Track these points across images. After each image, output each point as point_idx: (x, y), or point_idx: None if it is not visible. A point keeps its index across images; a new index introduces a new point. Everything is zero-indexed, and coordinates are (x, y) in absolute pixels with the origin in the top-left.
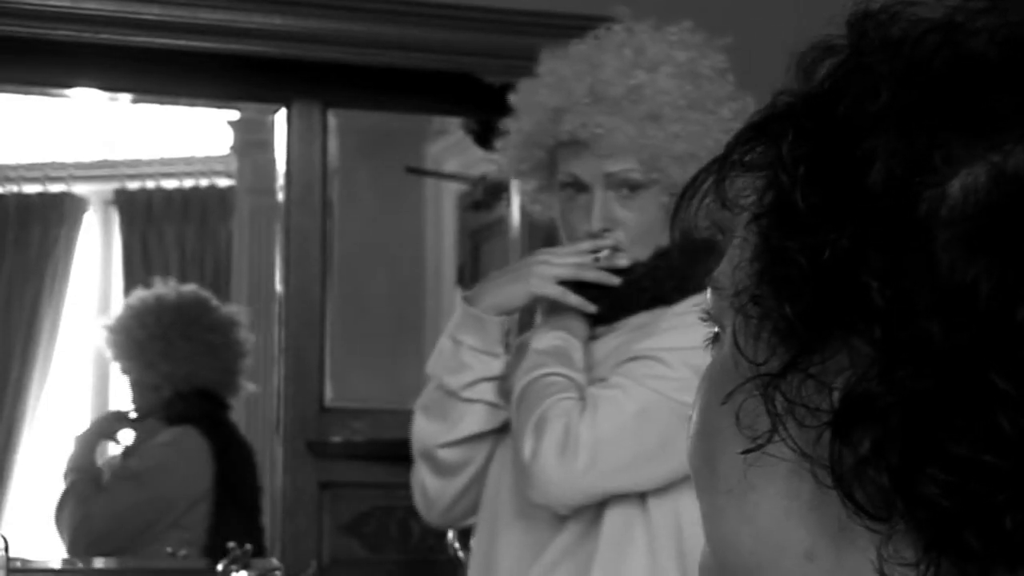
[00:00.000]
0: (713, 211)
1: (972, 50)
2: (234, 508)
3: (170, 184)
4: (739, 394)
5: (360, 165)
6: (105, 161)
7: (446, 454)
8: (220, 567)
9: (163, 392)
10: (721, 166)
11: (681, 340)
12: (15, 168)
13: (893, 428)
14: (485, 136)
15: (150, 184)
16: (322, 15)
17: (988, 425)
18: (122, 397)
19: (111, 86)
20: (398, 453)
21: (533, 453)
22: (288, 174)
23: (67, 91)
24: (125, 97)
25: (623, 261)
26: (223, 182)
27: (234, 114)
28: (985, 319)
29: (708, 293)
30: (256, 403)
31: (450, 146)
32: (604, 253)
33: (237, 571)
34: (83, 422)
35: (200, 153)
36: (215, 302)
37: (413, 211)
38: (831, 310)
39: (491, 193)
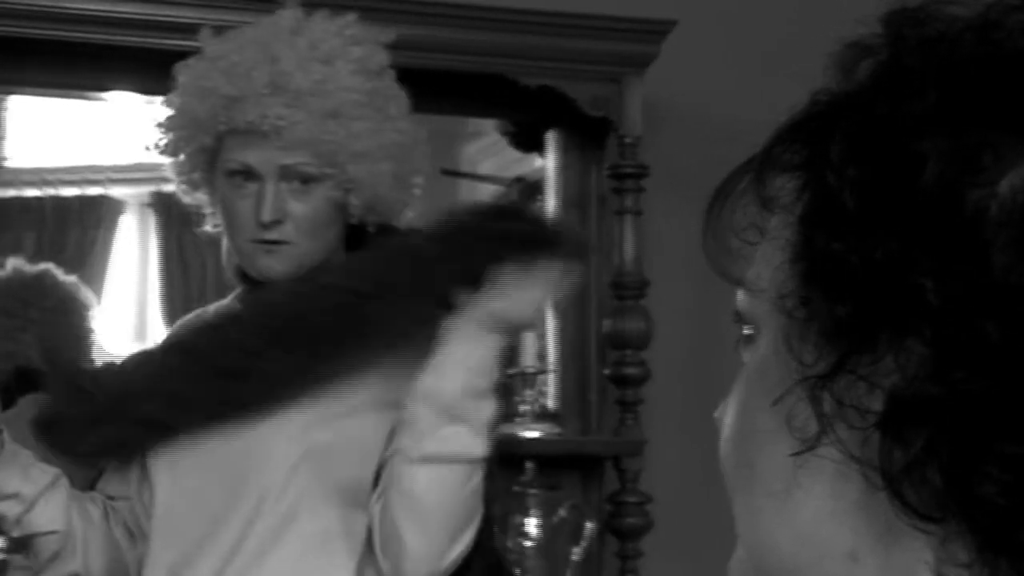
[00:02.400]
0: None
1: (1012, 49)
2: None
3: None
4: (787, 396)
5: None
6: (142, 164)
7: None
8: None
9: None
10: (761, 165)
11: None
12: (53, 171)
13: (947, 428)
14: (520, 138)
15: None
16: (357, 18)
17: None
18: None
19: (148, 89)
20: None
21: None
22: None
23: (104, 94)
24: (161, 100)
25: None
26: None
27: None
28: None
29: (740, 294)
30: None
31: (485, 148)
32: None
33: None
34: None
35: None
36: (60, 279)
37: None
38: (883, 311)
39: (526, 195)
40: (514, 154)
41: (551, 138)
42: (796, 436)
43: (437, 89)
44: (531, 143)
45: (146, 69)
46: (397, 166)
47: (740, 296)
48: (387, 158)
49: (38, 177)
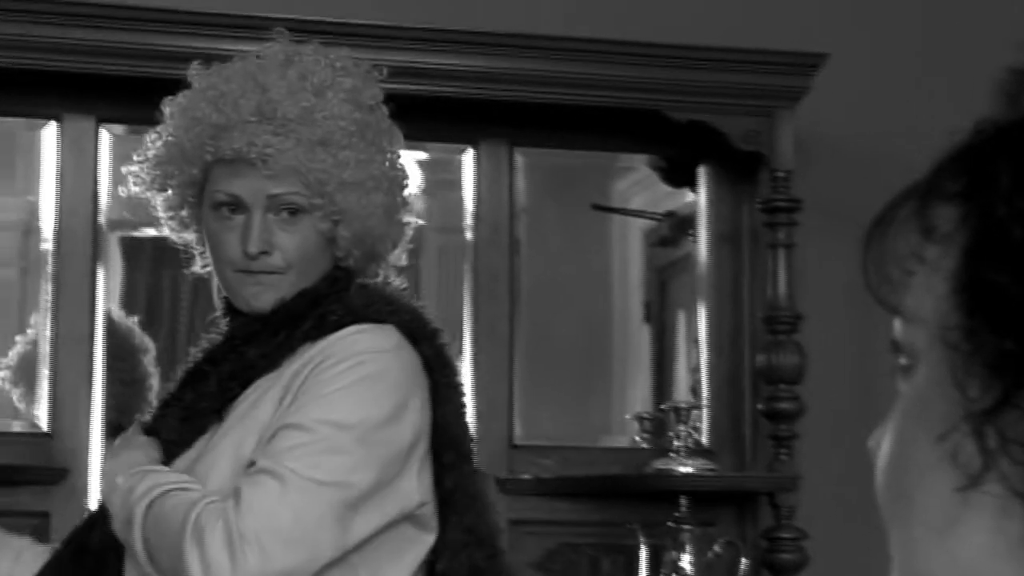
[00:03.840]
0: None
1: None
2: None
3: None
4: (950, 429)
5: (547, 203)
6: None
7: None
8: None
9: None
10: (924, 193)
11: (327, 409)
12: None
13: None
14: (672, 173)
15: None
16: (508, 54)
17: None
18: None
19: None
20: (587, 490)
21: (204, 564)
22: (476, 213)
23: None
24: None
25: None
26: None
27: (422, 154)
28: None
29: (898, 323)
30: None
31: (636, 183)
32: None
33: None
34: None
35: None
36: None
37: (599, 248)
38: None
39: (678, 229)
40: (665, 189)
41: (702, 173)
42: (960, 471)
43: (587, 125)
44: (682, 178)
45: None
46: (387, 199)
47: (898, 326)
48: (377, 190)
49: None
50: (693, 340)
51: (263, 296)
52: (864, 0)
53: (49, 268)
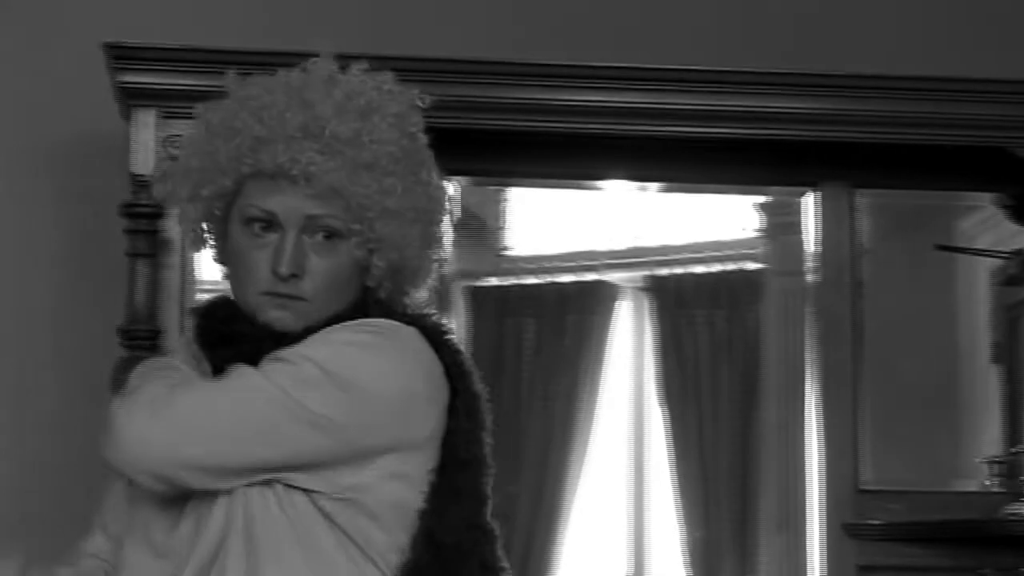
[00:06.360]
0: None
1: None
2: None
3: (699, 269)
4: None
5: (889, 244)
6: (635, 249)
7: None
8: None
9: None
10: None
11: (318, 342)
12: (551, 259)
13: None
14: (1019, 211)
15: (679, 270)
16: (847, 96)
17: None
18: (658, 479)
19: (641, 176)
20: (937, 535)
21: (124, 409)
22: (818, 255)
23: (599, 183)
24: (654, 187)
25: None
26: (751, 265)
27: (761, 197)
28: None
29: None
30: (790, 482)
31: (982, 221)
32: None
33: None
34: (621, 505)
35: (728, 237)
36: None
37: (944, 289)
38: None
39: None
40: (1012, 227)
41: None
42: None
43: (929, 165)
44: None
45: (639, 156)
46: (425, 231)
47: None
48: (417, 221)
49: (537, 265)
50: None
51: (286, 321)
52: None
53: None
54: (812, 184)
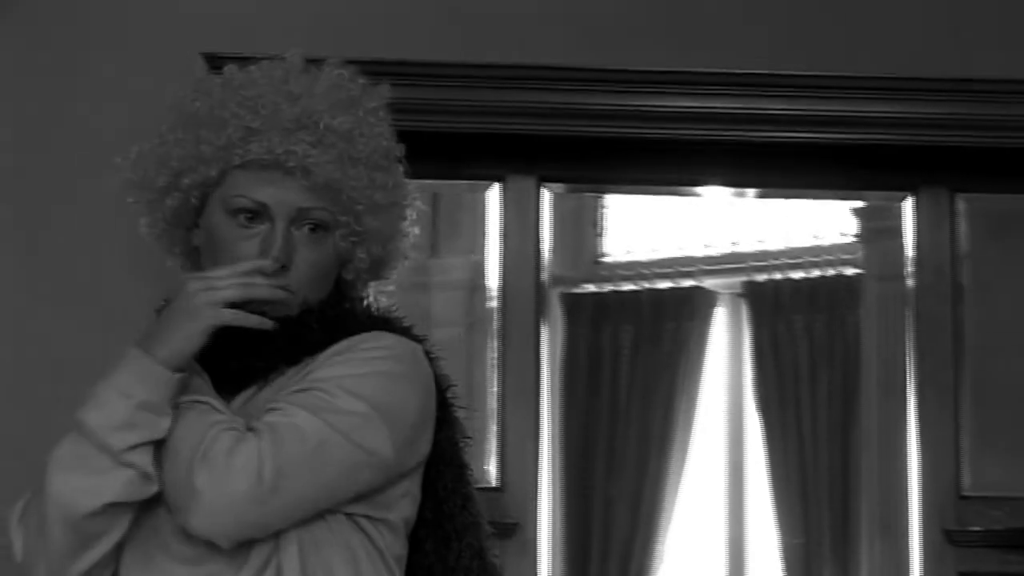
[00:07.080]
0: None
1: None
2: None
3: (797, 275)
4: None
5: (990, 248)
6: (733, 254)
7: (89, 523)
8: None
9: None
10: None
11: (348, 369)
12: (647, 265)
13: None
14: None
15: (777, 275)
16: (947, 100)
17: None
18: (756, 486)
19: (738, 182)
20: None
21: (213, 477)
22: (917, 260)
23: (696, 189)
24: (751, 192)
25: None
26: (850, 270)
27: (859, 202)
28: None
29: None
30: (890, 489)
31: None
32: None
33: None
34: (719, 512)
35: (826, 242)
36: None
37: None
38: None
39: None
40: None
41: None
42: None
43: None
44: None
45: (736, 162)
46: (404, 226)
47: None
48: (401, 217)
49: (634, 271)
50: None
51: (271, 311)
52: None
53: (495, 325)
54: (911, 188)
